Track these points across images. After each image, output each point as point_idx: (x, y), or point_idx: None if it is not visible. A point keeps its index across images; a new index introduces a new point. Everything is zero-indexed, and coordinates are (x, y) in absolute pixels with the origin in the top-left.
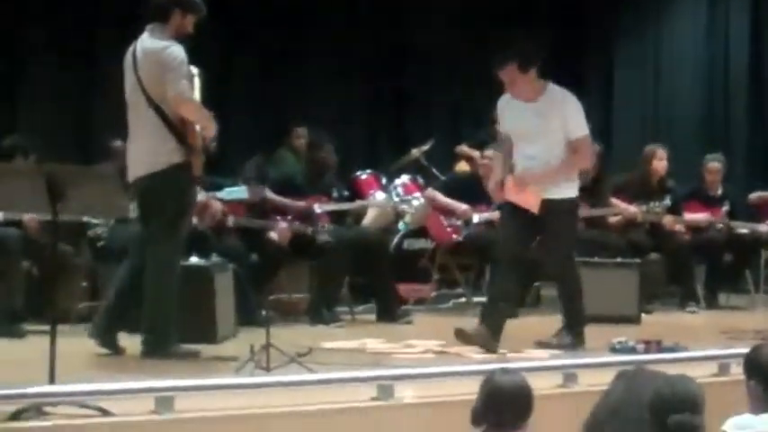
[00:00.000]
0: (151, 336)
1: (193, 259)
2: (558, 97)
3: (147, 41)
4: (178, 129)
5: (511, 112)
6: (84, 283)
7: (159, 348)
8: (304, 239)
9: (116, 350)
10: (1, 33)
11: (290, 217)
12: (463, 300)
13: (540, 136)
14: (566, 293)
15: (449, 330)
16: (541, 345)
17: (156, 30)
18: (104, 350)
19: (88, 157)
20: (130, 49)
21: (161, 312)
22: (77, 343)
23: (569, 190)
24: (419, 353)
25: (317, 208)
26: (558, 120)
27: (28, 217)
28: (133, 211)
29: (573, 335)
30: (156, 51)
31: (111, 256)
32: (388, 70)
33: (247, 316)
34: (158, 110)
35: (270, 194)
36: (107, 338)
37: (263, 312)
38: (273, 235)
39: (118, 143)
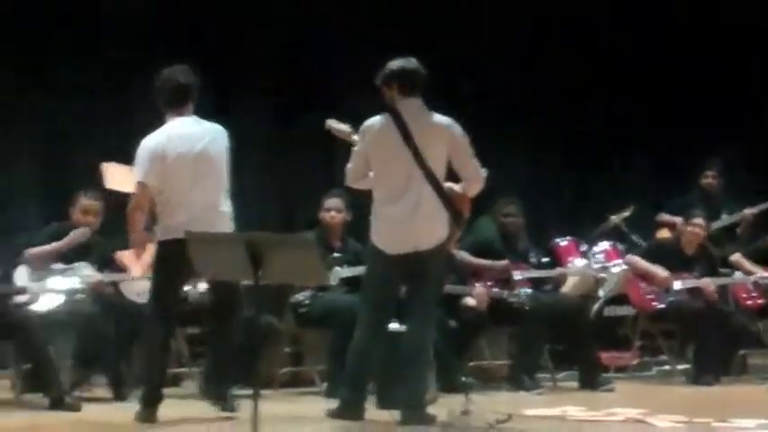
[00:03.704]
0: (416, 401)
1: (393, 326)
2: None
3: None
4: (454, 204)
5: None
6: (287, 349)
7: (421, 413)
8: (502, 305)
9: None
10: None
11: (489, 283)
12: (667, 367)
13: None
14: None
15: (652, 398)
16: None
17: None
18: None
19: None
20: (387, 120)
21: (425, 377)
22: (280, 408)
23: None
24: (621, 421)
25: (517, 275)
26: None
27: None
28: (333, 279)
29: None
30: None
31: (312, 323)
32: (587, 136)
33: (447, 382)
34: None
35: (467, 257)
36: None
37: (463, 378)
38: (471, 301)
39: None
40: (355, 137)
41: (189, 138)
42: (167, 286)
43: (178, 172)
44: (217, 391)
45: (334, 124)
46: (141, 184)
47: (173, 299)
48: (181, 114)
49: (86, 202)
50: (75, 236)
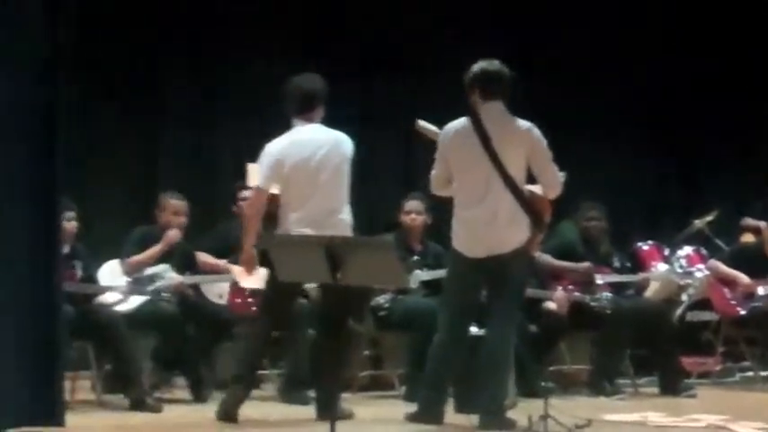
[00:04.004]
0: (495, 406)
1: (474, 330)
2: None
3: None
4: (534, 207)
5: None
6: (367, 352)
7: (500, 418)
8: (583, 309)
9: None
10: None
11: (570, 287)
12: (750, 374)
13: None
14: None
15: (734, 405)
16: None
17: None
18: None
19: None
20: (467, 124)
21: (505, 381)
22: (360, 411)
23: None
24: (703, 427)
25: (599, 279)
26: None
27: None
28: (413, 282)
29: None
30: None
31: (392, 326)
32: (672, 142)
33: (527, 386)
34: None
35: (549, 259)
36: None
37: (543, 383)
38: (551, 305)
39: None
40: None
41: (310, 144)
42: (281, 287)
43: (297, 178)
44: (322, 400)
45: (423, 125)
46: (258, 189)
47: (284, 300)
48: (309, 121)
49: (175, 202)
50: (169, 239)
